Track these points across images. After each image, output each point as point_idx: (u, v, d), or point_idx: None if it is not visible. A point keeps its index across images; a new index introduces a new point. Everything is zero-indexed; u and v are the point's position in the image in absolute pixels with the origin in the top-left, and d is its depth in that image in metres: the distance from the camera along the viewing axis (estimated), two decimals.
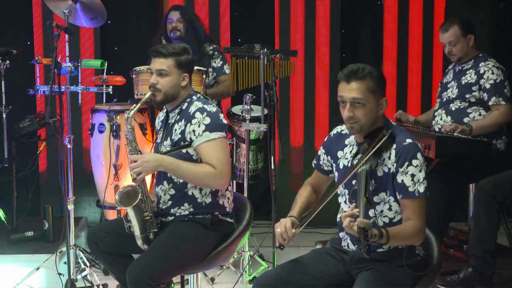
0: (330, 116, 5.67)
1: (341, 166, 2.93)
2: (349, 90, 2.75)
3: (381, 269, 2.77)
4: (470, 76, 4.28)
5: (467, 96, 4.26)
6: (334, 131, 3.03)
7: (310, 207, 3.00)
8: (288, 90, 5.69)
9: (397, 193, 2.75)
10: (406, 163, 2.72)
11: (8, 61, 4.49)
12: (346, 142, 2.94)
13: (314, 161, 3.10)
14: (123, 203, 3.22)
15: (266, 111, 4.28)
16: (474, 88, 4.24)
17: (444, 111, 4.33)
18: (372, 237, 2.51)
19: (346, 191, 2.88)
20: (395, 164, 2.74)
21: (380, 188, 2.78)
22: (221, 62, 4.82)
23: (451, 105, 4.31)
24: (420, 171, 2.72)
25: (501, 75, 4.21)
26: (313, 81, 5.67)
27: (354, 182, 2.81)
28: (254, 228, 5.09)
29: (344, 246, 2.92)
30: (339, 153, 2.95)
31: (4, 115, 4.50)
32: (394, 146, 2.75)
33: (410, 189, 2.71)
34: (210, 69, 4.79)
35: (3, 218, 4.68)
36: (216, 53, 4.84)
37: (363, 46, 5.83)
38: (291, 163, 5.72)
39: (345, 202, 2.90)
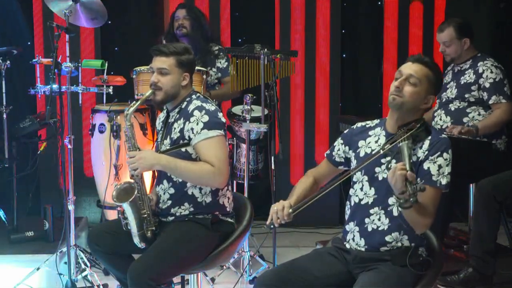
0: (330, 116, 5.68)
1: (361, 154, 2.94)
2: (411, 68, 2.85)
3: (383, 269, 2.77)
4: (469, 76, 4.29)
5: (466, 96, 4.26)
6: (358, 125, 3.06)
7: (305, 200, 2.95)
8: (289, 90, 5.69)
9: (419, 178, 2.76)
10: (438, 153, 2.77)
11: (8, 61, 4.50)
12: (370, 133, 2.98)
13: (327, 152, 3.11)
14: (120, 199, 3.23)
15: (266, 111, 4.28)
16: (473, 87, 4.24)
17: (443, 111, 4.34)
18: (416, 189, 2.51)
19: (366, 177, 2.89)
20: (426, 152, 2.79)
21: None
22: (226, 63, 4.82)
23: (450, 105, 4.32)
24: (447, 165, 2.78)
25: (500, 73, 4.22)
26: (313, 81, 5.67)
27: (377, 169, 2.84)
28: (255, 228, 5.09)
29: (349, 239, 2.91)
30: (361, 142, 2.97)
31: (4, 115, 4.51)
32: (429, 137, 2.81)
33: (434, 178, 2.76)
34: (214, 69, 4.79)
35: (3, 218, 4.68)
36: (221, 53, 4.83)
37: (363, 47, 5.84)
38: (291, 163, 5.72)
39: (361, 189, 2.90)
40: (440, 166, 2.76)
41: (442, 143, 2.79)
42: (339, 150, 3.05)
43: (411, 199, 2.50)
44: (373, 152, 2.88)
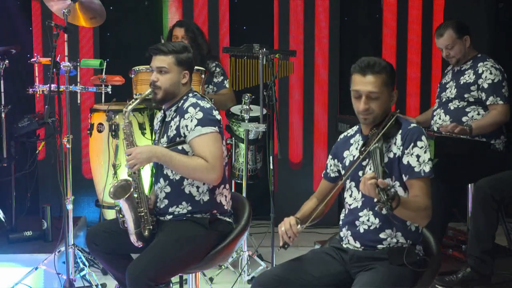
0: (328, 116, 5.68)
1: (347, 164, 2.97)
2: (365, 84, 2.83)
3: (380, 269, 2.77)
4: (468, 76, 4.28)
5: (465, 95, 4.26)
6: (341, 136, 3.10)
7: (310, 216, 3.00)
8: (287, 90, 5.69)
9: (403, 175, 2.79)
10: (412, 144, 2.79)
11: (7, 61, 4.49)
12: (352, 141, 3.01)
13: (324, 171, 3.15)
14: (116, 196, 3.24)
15: (265, 111, 4.28)
16: (472, 88, 4.24)
17: (442, 111, 4.34)
18: (390, 194, 2.51)
19: (353, 183, 2.91)
20: (401, 147, 2.80)
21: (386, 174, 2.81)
22: (221, 77, 4.83)
23: (449, 104, 4.32)
24: (425, 152, 2.79)
25: (499, 75, 4.22)
26: (312, 81, 5.67)
27: (360, 173, 2.86)
28: (253, 228, 5.10)
29: (345, 244, 2.92)
30: (345, 153, 3.01)
31: (3, 115, 4.50)
32: (400, 131, 2.82)
33: (416, 169, 2.77)
34: (211, 86, 4.80)
35: (2, 218, 4.67)
36: (218, 69, 4.84)
37: (362, 47, 5.84)
38: (289, 163, 5.72)
39: (350, 195, 2.93)
40: (418, 156, 2.78)
41: (413, 133, 2.81)
42: (331, 166, 3.09)
43: (386, 206, 2.50)
44: (354, 159, 2.91)
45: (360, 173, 2.87)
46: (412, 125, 2.85)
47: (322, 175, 3.15)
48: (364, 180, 2.58)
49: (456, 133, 4.05)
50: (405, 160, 2.79)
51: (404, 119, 2.93)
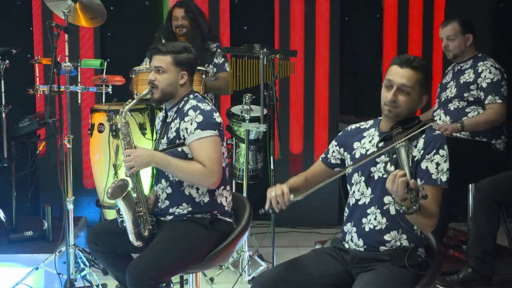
0: (329, 116, 5.68)
1: (357, 156, 2.94)
2: (401, 76, 2.80)
3: (382, 270, 2.77)
4: (468, 76, 4.29)
5: (465, 95, 4.27)
6: (353, 126, 3.06)
7: (301, 190, 2.89)
8: (288, 90, 5.69)
9: (419, 179, 2.77)
10: (434, 151, 2.77)
11: (7, 61, 4.49)
12: (365, 134, 2.97)
13: (322, 155, 3.10)
14: (114, 196, 3.24)
15: (265, 111, 4.28)
16: (472, 87, 4.25)
17: (442, 111, 4.34)
18: (420, 195, 2.48)
19: (363, 177, 2.88)
20: (422, 151, 2.78)
21: None
22: (222, 59, 4.83)
23: (449, 104, 4.32)
24: (445, 161, 2.78)
25: (498, 74, 4.22)
26: (312, 81, 5.67)
27: (372, 169, 2.83)
28: (254, 228, 5.10)
29: (348, 240, 2.91)
30: (356, 144, 2.97)
31: (3, 115, 4.50)
32: (423, 135, 2.81)
33: (433, 177, 2.76)
34: (211, 66, 4.79)
35: (2, 218, 4.67)
36: (219, 50, 4.84)
37: (362, 47, 5.84)
38: (290, 163, 5.72)
39: (358, 190, 2.90)
40: (438, 164, 2.76)
41: (437, 140, 2.80)
42: (334, 152, 3.05)
43: (414, 207, 2.47)
44: (368, 153, 2.88)
45: (373, 169, 2.84)
46: (437, 132, 2.84)
47: (320, 158, 3.09)
48: (394, 177, 2.53)
49: (449, 132, 4.05)
50: (423, 165, 2.77)
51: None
